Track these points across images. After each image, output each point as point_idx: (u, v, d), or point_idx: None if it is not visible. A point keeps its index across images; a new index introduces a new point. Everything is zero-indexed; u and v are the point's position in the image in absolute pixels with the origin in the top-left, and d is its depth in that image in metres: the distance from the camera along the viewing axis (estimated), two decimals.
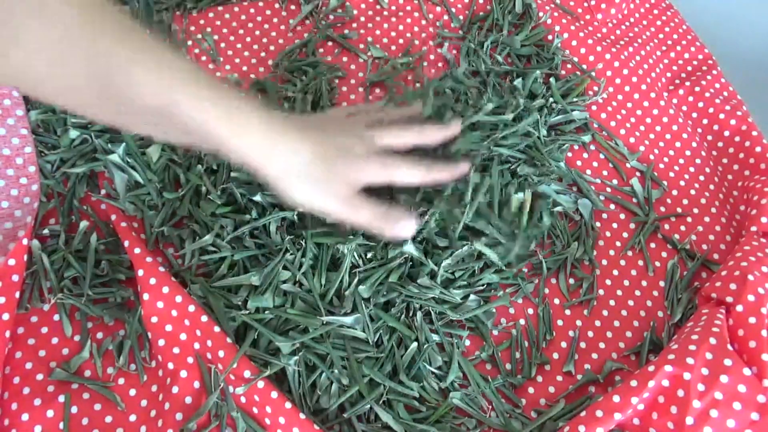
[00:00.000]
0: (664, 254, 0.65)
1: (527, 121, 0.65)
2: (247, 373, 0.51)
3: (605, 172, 0.70)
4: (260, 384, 0.51)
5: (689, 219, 0.68)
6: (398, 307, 0.56)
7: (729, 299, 0.55)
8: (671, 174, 0.71)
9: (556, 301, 0.62)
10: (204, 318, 0.53)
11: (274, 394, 0.51)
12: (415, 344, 0.55)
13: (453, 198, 0.57)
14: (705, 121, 0.74)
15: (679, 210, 0.68)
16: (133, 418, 0.52)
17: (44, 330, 0.54)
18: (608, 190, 0.69)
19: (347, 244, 0.55)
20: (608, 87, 0.75)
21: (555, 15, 0.79)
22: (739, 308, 0.54)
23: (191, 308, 0.54)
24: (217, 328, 0.53)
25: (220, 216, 0.58)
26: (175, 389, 0.50)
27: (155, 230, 0.59)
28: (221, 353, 0.52)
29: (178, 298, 0.54)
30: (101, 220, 0.60)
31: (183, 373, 0.51)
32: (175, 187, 0.61)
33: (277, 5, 0.78)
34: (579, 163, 0.70)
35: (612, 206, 0.68)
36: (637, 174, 0.70)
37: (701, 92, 0.75)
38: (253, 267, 0.57)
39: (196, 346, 0.52)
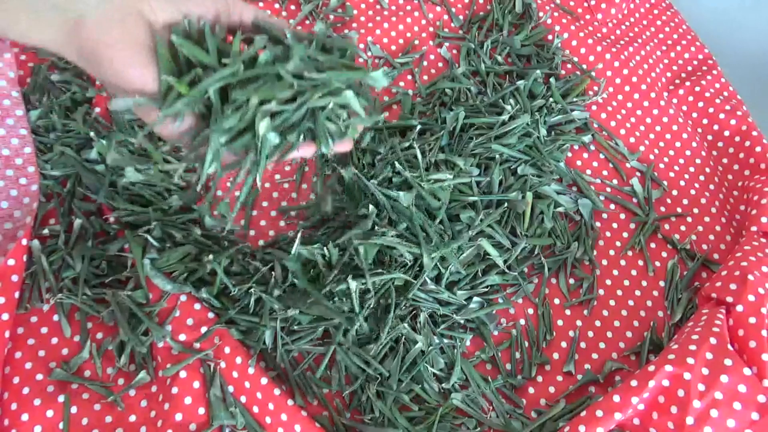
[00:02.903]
0: (664, 254, 0.65)
1: (524, 120, 0.65)
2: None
3: (605, 172, 0.70)
4: (263, 380, 0.51)
5: (689, 219, 0.68)
6: (404, 310, 0.56)
7: (729, 299, 0.55)
8: (671, 174, 0.71)
9: (556, 301, 0.62)
10: (210, 315, 0.54)
11: (277, 392, 0.51)
12: (418, 345, 0.55)
13: None
14: (705, 121, 0.74)
15: (679, 210, 0.68)
16: (132, 418, 0.52)
17: (44, 330, 0.54)
18: (608, 190, 0.69)
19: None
20: (608, 87, 0.75)
21: (555, 15, 0.79)
22: (739, 308, 0.54)
23: (196, 306, 0.54)
24: (223, 326, 0.54)
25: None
26: (174, 390, 0.50)
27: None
28: (227, 349, 0.52)
29: (183, 298, 0.54)
30: (99, 219, 0.60)
31: (182, 374, 0.51)
32: None
33: (277, 5, 0.78)
34: (579, 163, 0.70)
35: (612, 206, 0.68)
36: (637, 174, 0.70)
37: (701, 92, 0.75)
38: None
39: (196, 345, 0.53)
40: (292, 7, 0.78)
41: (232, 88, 0.41)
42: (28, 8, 0.38)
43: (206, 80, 0.40)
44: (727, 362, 0.50)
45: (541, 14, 0.79)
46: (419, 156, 0.61)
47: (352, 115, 0.46)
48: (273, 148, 0.43)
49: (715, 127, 0.73)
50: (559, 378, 0.58)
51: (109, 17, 0.38)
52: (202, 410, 0.50)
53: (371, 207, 0.57)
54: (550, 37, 0.77)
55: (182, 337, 0.53)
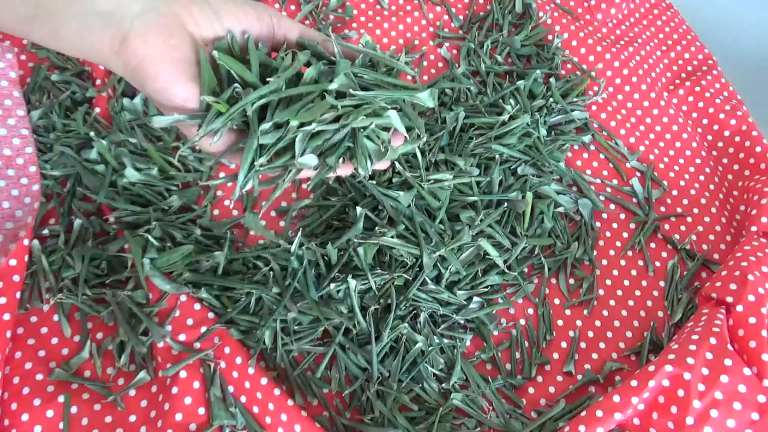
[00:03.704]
0: (664, 254, 0.65)
1: (524, 120, 0.65)
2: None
3: (605, 172, 0.70)
4: (264, 380, 0.51)
5: (689, 219, 0.68)
6: (404, 310, 0.56)
7: (729, 299, 0.55)
8: (671, 174, 0.71)
9: (556, 301, 0.62)
10: (210, 315, 0.54)
11: (277, 392, 0.51)
12: (419, 345, 0.55)
13: None
14: (705, 121, 0.74)
15: (679, 210, 0.68)
16: (133, 418, 0.52)
17: (44, 330, 0.54)
18: (608, 190, 0.69)
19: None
20: (608, 87, 0.75)
21: (555, 15, 0.79)
22: (739, 308, 0.54)
23: (196, 306, 0.54)
24: (223, 326, 0.54)
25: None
26: (174, 390, 0.50)
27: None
28: (227, 350, 0.52)
29: (183, 298, 0.54)
30: (99, 219, 0.60)
31: (183, 374, 0.51)
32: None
33: (277, 5, 0.78)
34: (579, 163, 0.70)
35: (612, 206, 0.68)
36: (637, 174, 0.70)
37: (701, 92, 0.75)
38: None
39: (196, 345, 0.53)
40: (292, 7, 0.78)
41: (274, 107, 0.40)
42: (76, 18, 0.37)
43: (245, 98, 0.39)
44: (727, 362, 0.50)
45: (541, 14, 0.79)
46: (419, 156, 0.61)
47: (394, 134, 0.45)
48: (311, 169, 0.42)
49: (715, 127, 0.73)
50: (559, 378, 0.58)
51: (154, 31, 0.38)
52: (202, 410, 0.50)
53: (359, 209, 0.57)
54: (550, 37, 0.77)
55: (182, 337, 0.53)
